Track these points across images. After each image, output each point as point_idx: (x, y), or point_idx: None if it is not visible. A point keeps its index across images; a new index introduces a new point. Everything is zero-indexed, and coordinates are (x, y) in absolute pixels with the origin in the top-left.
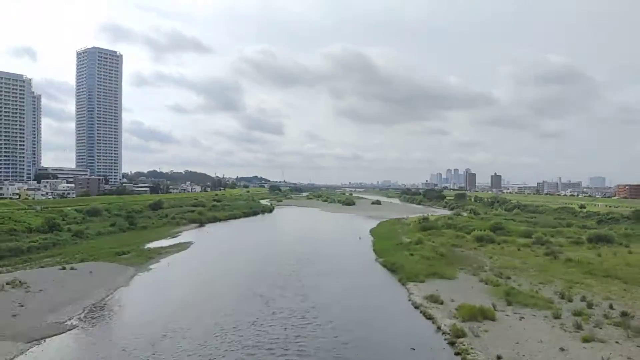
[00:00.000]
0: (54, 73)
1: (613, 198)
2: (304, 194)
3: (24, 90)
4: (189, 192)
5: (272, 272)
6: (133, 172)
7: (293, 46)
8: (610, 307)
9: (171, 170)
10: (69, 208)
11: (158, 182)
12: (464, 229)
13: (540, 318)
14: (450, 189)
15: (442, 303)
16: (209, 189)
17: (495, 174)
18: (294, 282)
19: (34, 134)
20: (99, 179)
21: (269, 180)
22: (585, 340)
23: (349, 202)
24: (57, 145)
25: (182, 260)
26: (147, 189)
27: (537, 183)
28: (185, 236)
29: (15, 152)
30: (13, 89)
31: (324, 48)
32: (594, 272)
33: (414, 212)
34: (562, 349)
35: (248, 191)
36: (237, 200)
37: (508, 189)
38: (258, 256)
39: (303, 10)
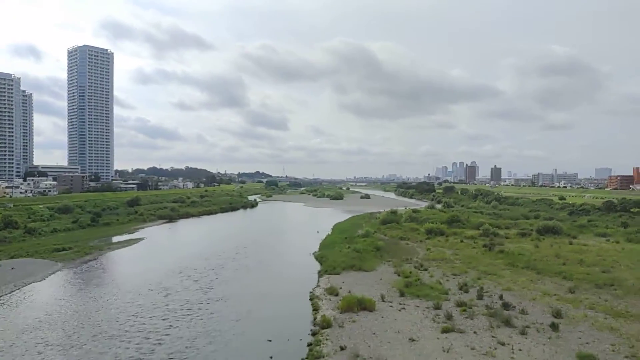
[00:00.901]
0: (58, 72)
1: (605, 189)
2: (302, 189)
3: (12, 89)
4: (180, 188)
5: (199, 266)
6: (136, 168)
7: (294, 41)
8: (500, 297)
9: (172, 167)
10: (41, 205)
11: (147, 178)
12: (424, 221)
13: (421, 309)
14: (451, 182)
15: (337, 295)
16: (202, 185)
17: (495, 166)
18: (211, 276)
19: (25, 132)
20: (83, 177)
21: (270, 176)
22: (445, 330)
23: (337, 197)
24: (64, 143)
25: (120, 256)
26: (135, 185)
27: (533, 175)
28: (143, 232)
29: (4, 151)
30: (1, 87)
31: (325, 42)
32: (516, 263)
33: (397, 205)
34: (412, 340)
35: (242, 187)
36: (223, 196)
37: (505, 181)
38: (198, 251)
39: (303, 4)
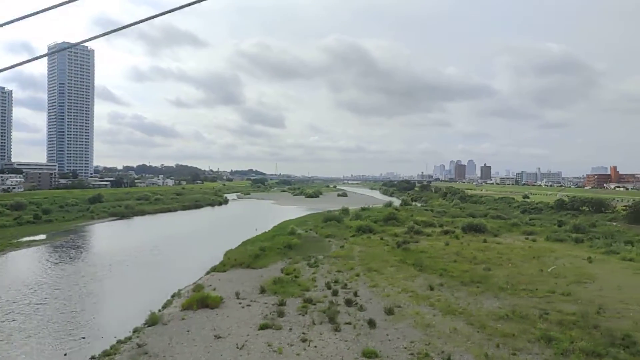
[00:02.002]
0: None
1: (584, 188)
2: (287, 187)
3: None
4: (159, 185)
5: (91, 265)
6: (125, 165)
7: (288, 39)
8: (355, 294)
9: (162, 165)
10: None
11: (122, 176)
12: (366, 218)
13: (267, 306)
14: (442, 181)
15: (199, 292)
16: (184, 182)
17: (485, 165)
18: (87, 277)
19: (3, 129)
20: (51, 174)
21: (264, 174)
22: (262, 327)
23: (314, 195)
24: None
25: (25, 254)
26: (108, 183)
27: (517, 174)
28: (78, 230)
29: None
30: None
31: (319, 40)
32: (407, 260)
33: (370, 203)
34: (217, 337)
35: (224, 185)
36: (197, 194)
37: (491, 179)
38: (106, 249)
39: (295, 2)
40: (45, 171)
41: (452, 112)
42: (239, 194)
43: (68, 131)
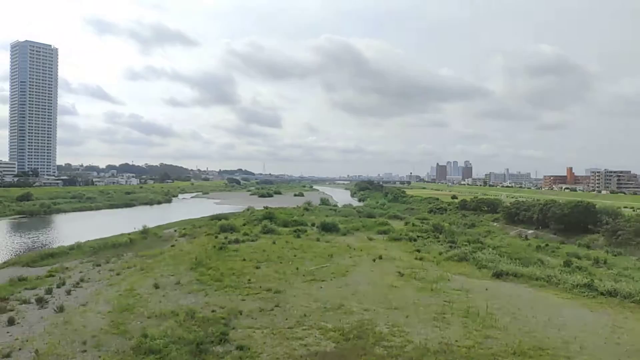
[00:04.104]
0: None
1: (542, 189)
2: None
3: None
4: (122, 184)
5: None
6: (107, 164)
7: (278, 38)
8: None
9: (146, 164)
10: None
11: (76, 175)
12: (248, 217)
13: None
14: (426, 182)
15: None
16: (151, 181)
17: (466, 165)
18: None
19: None
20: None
21: (253, 174)
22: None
23: (266, 195)
24: (60, 139)
25: None
26: (60, 181)
27: (485, 175)
28: None
29: None
30: None
31: (310, 40)
32: (205, 260)
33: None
34: None
35: (192, 184)
36: (147, 193)
37: (464, 181)
38: None
39: (284, 2)
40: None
41: (448, 113)
42: (199, 193)
43: (29, 130)
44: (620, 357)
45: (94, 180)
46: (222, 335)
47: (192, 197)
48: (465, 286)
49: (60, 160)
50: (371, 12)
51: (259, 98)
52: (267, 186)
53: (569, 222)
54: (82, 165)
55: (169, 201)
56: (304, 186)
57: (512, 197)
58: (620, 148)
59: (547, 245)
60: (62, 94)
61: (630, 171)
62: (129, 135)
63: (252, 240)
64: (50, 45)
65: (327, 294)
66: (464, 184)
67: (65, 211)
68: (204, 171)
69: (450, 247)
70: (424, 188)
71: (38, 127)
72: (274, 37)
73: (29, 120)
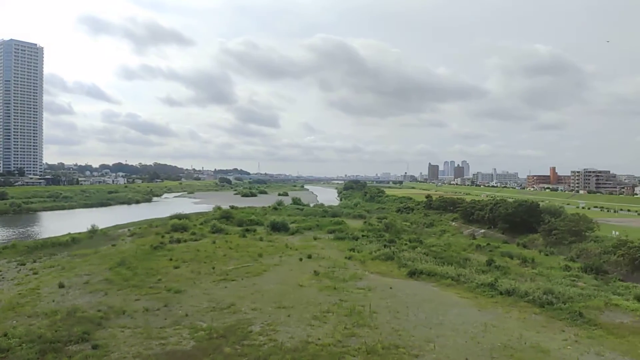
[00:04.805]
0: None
1: (526, 189)
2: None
3: None
4: (109, 183)
5: None
6: (101, 164)
7: (273, 38)
8: None
9: (139, 163)
10: None
11: (60, 174)
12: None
13: None
14: (419, 181)
15: None
16: (139, 181)
17: (458, 165)
18: None
19: None
20: None
21: (248, 173)
22: None
23: (249, 194)
24: (58, 139)
25: None
26: (43, 181)
27: (472, 174)
28: None
29: None
30: None
31: (305, 39)
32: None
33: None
34: None
35: (180, 184)
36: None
37: (454, 180)
38: None
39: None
40: None
41: (445, 113)
42: (184, 193)
43: (15, 129)
44: (469, 355)
45: (79, 179)
46: (83, 334)
47: (174, 197)
48: (372, 285)
49: (58, 160)
50: (367, 11)
51: (256, 98)
52: (255, 186)
53: (514, 221)
54: (76, 165)
55: (149, 201)
56: (295, 186)
57: (490, 197)
58: (618, 147)
59: (488, 244)
60: (58, 93)
61: (609, 171)
62: (127, 135)
63: (195, 240)
64: (35, 44)
65: (225, 294)
66: (454, 184)
67: (35, 210)
68: (199, 171)
69: (385, 246)
70: (413, 188)
71: (24, 126)
72: (268, 36)
73: (14, 119)
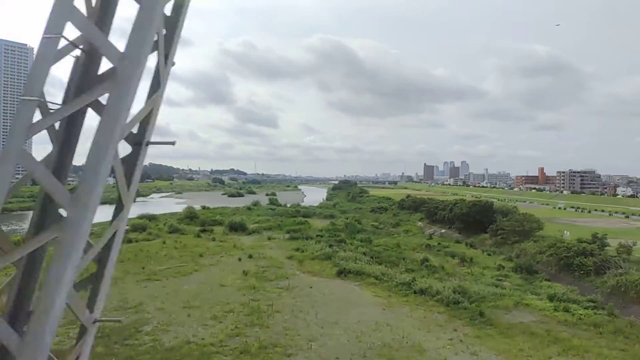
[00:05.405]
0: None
1: (514, 189)
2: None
3: None
4: None
5: None
6: None
7: (270, 38)
8: None
9: None
10: None
11: None
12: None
13: None
14: (415, 181)
15: None
16: None
17: (454, 165)
18: None
19: None
20: None
21: (245, 173)
22: None
23: (236, 194)
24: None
25: None
26: (30, 180)
27: (464, 175)
28: None
29: None
30: None
31: (303, 40)
32: None
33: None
34: None
35: (171, 184)
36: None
37: (447, 180)
38: None
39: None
40: None
41: (443, 114)
42: (172, 193)
43: (4, 130)
44: (344, 354)
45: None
46: None
47: (160, 197)
48: (294, 284)
49: None
50: (365, 13)
51: (255, 98)
52: (247, 186)
53: (468, 221)
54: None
55: (133, 201)
56: (288, 186)
57: (474, 197)
58: (617, 148)
59: (439, 244)
60: (55, 93)
61: (594, 171)
62: None
63: (148, 240)
64: (25, 44)
65: (140, 294)
66: (447, 184)
67: (11, 210)
68: (195, 171)
69: (330, 245)
70: (405, 188)
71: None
72: (266, 36)
73: (3, 119)
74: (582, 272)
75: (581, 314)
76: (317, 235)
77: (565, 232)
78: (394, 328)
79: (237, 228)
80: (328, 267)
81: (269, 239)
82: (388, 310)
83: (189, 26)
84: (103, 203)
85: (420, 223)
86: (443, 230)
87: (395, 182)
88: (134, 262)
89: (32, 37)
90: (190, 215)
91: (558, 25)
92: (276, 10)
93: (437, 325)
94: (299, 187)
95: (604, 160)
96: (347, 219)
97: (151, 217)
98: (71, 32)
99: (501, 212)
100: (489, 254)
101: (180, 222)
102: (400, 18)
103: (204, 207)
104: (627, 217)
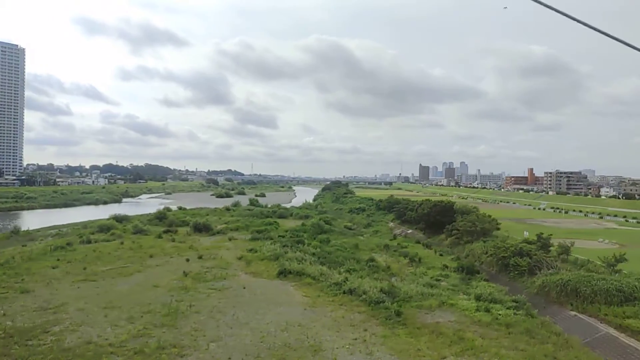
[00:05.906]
0: (36, 68)
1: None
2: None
3: None
4: (88, 184)
5: None
6: (92, 164)
7: (267, 38)
8: None
9: (130, 164)
10: None
11: (35, 174)
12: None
13: None
14: (411, 182)
15: None
16: (121, 182)
17: (452, 166)
18: None
19: None
20: None
21: (242, 174)
22: None
23: (224, 195)
24: (55, 139)
25: None
26: (17, 182)
27: (457, 176)
28: None
29: None
30: None
31: (300, 40)
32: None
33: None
34: None
35: (163, 184)
36: (106, 193)
37: (441, 181)
38: None
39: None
40: None
41: (442, 114)
42: (162, 193)
43: None
44: (238, 355)
45: (57, 180)
46: None
47: (148, 198)
48: (229, 285)
49: (57, 160)
50: (362, 13)
51: (253, 98)
52: (240, 187)
53: (430, 221)
54: (67, 166)
55: (119, 202)
56: (282, 187)
57: (463, 198)
58: (616, 148)
59: (398, 244)
60: (55, 94)
61: (580, 172)
62: (126, 136)
63: (108, 241)
64: (16, 45)
65: (68, 294)
66: (440, 185)
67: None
68: (192, 172)
69: (284, 246)
70: (399, 188)
71: (3, 126)
72: (263, 36)
73: None
74: (516, 272)
75: (499, 314)
76: (279, 236)
77: (525, 232)
78: (304, 328)
79: (202, 229)
80: (273, 268)
81: (230, 239)
82: (309, 310)
83: (187, 27)
84: (88, 204)
85: (391, 224)
86: (410, 231)
87: (390, 183)
88: (81, 263)
89: (23, 38)
90: (159, 216)
91: (505, 7)
92: (273, 10)
93: (350, 325)
94: (294, 187)
95: (602, 160)
96: (320, 219)
97: (122, 218)
98: None
99: (461, 213)
100: (441, 254)
101: (149, 223)
102: (398, 18)
103: (180, 208)
104: (602, 217)
